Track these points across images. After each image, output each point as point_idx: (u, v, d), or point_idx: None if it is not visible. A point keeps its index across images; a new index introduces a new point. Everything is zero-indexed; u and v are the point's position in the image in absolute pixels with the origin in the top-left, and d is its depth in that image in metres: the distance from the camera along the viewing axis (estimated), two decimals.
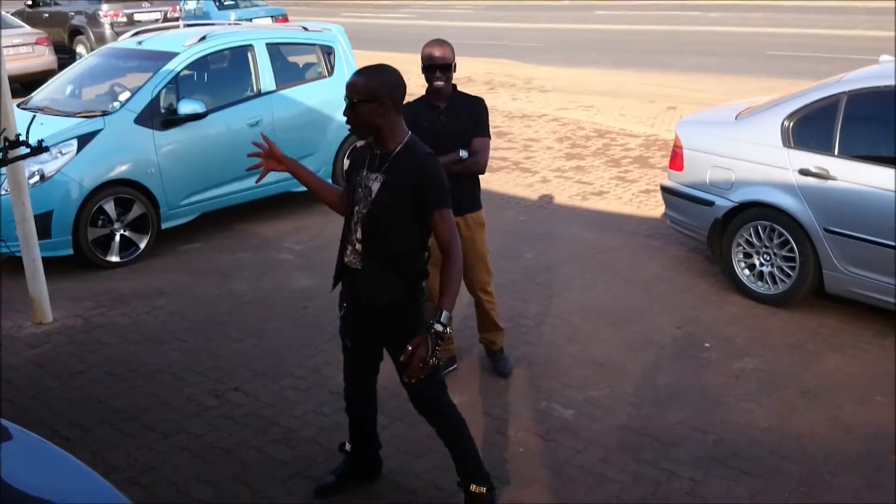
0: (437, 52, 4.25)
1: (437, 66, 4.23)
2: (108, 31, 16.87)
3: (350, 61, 8.35)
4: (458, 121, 4.35)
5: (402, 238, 3.23)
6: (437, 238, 3.19)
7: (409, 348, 3.02)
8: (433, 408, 3.49)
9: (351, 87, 3.14)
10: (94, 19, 17.27)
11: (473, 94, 4.59)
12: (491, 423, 4.29)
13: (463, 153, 4.32)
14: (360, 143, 3.43)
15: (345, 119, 3.23)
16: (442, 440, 3.56)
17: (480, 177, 4.56)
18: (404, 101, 3.30)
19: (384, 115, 3.14)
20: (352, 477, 3.77)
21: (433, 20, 26.58)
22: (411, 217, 3.19)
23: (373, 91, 3.10)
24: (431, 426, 3.55)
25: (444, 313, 3.06)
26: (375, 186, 3.21)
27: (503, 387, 4.68)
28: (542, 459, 3.98)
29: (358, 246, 3.29)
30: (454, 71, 4.33)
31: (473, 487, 3.49)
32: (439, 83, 4.27)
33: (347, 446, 3.76)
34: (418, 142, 3.26)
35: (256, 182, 3.62)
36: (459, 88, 4.50)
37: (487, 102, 4.62)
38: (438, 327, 3.03)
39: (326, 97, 8.06)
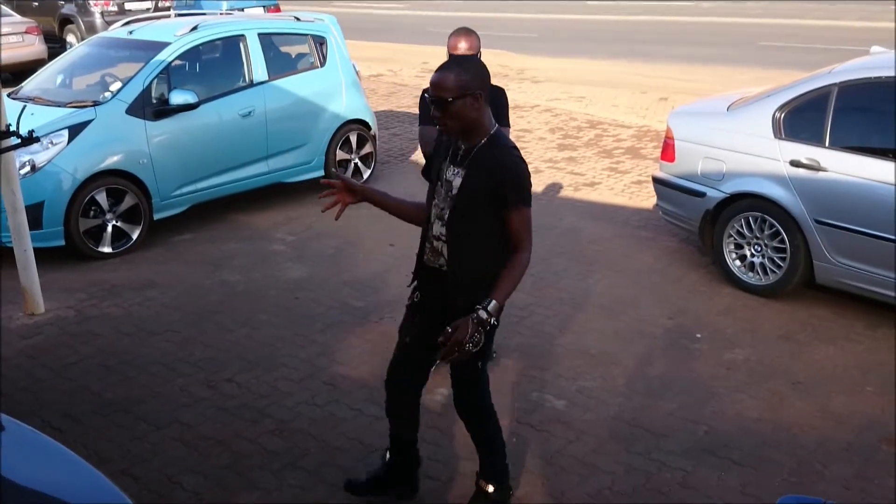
0: (462, 44, 4.24)
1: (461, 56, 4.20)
2: (98, 20, 16.74)
3: (342, 51, 8.32)
4: None
5: (484, 234, 3.09)
6: (509, 231, 3.07)
7: (449, 329, 2.97)
8: (474, 407, 3.42)
9: (439, 85, 2.98)
10: (84, 8, 17.14)
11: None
12: None
13: None
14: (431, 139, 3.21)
15: (434, 121, 3.08)
16: (473, 440, 3.50)
17: None
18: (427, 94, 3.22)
19: (480, 108, 3.02)
20: (383, 487, 3.61)
21: (425, 10, 26.50)
22: (492, 212, 3.05)
23: (466, 86, 2.97)
24: (466, 428, 3.48)
25: (494, 303, 3.00)
26: (457, 182, 3.09)
27: (495, 378, 4.66)
28: (535, 450, 4.00)
29: (437, 244, 3.18)
30: None
31: (482, 483, 3.48)
32: None
33: (388, 455, 3.60)
34: (503, 134, 3.16)
35: (335, 218, 3.32)
36: None
37: None
38: (483, 314, 2.97)
39: (319, 87, 8.04)
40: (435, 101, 3.00)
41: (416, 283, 3.34)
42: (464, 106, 2.97)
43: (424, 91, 4.46)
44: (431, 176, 3.26)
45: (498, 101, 4.41)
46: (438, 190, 3.19)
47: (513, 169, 3.05)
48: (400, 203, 3.40)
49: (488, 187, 3.02)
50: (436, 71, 3.06)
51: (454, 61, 3.16)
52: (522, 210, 3.07)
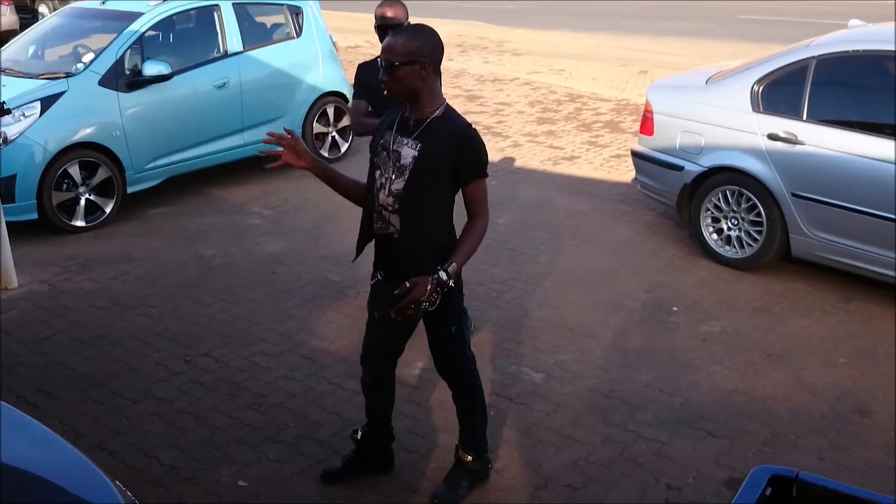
0: (388, 13, 4.24)
1: (389, 27, 4.16)
2: None
3: (319, 22, 8.22)
4: None
5: (439, 205, 3.13)
6: (469, 202, 3.14)
7: (408, 284, 2.99)
8: (453, 370, 3.48)
9: (389, 49, 2.99)
10: None
11: None
12: None
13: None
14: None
15: (381, 84, 3.06)
16: (456, 405, 3.55)
17: None
18: (366, 62, 3.17)
19: (426, 78, 3.00)
20: (360, 466, 3.61)
21: None
22: (449, 183, 3.11)
23: (414, 52, 2.96)
24: (451, 390, 3.54)
25: (453, 265, 3.05)
26: (408, 153, 3.07)
27: (474, 351, 4.68)
28: (512, 422, 4.02)
29: (385, 213, 3.15)
30: None
31: (461, 453, 3.51)
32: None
33: (359, 433, 3.59)
34: (454, 110, 3.17)
35: (266, 167, 3.29)
36: None
37: (459, 65, 4.60)
38: (443, 275, 3.01)
39: (295, 59, 7.95)
40: (384, 65, 3.02)
41: (376, 260, 3.33)
42: (410, 73, 2.98)
43: (360, 64, 4.40)
44: (374, 146, 3.22)
45: None
46: (384, 159, 3.15)
47: (476, 140, 3.10)
48: (347, 182, 3.33)
49: (450, 159, 3.05)
50: (388, 36, 3.08)
51: (409, 28, 3.13)
52: (482, 181, 3.15)
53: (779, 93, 5.48)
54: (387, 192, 3.13)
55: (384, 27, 4.21)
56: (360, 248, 3.33)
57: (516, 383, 4.36)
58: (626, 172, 7.71)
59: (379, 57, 3.18)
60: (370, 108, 4.42)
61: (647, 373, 4.45)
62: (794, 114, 5.33)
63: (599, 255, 6.02)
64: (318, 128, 8.12)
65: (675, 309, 5.17)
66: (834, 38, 5.50)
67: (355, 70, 4.52)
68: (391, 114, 3.22)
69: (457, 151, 3.05)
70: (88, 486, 2.27)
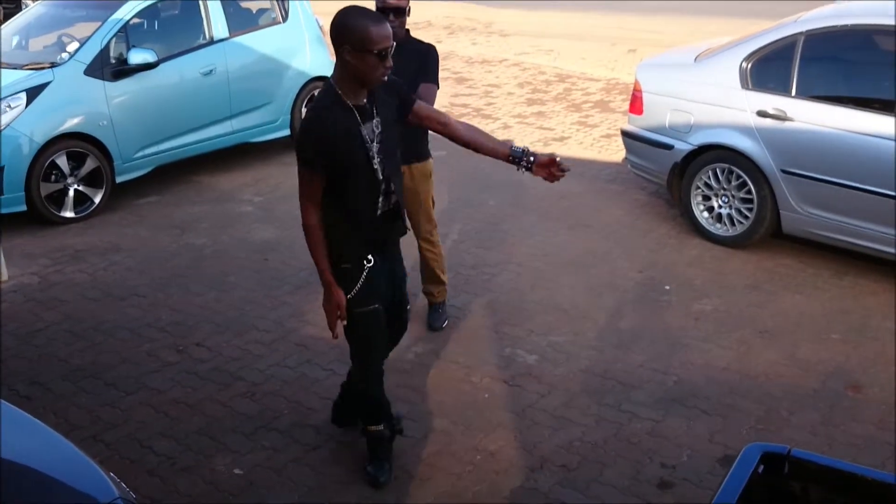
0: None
1: (391, 10, 4.10)
2: None
3: (305, 6, 8.15)
4: (406, 66, 4.15)
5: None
6: (426, 111, 3.30)
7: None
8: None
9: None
10: None
11: (429, 40, 4.50)
12: (457, 371, 4.32)
13: None
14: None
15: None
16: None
17: None
18: None
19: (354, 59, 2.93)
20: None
21: None
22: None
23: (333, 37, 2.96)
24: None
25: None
26: (377, 126, 3.08)
27: (467, 335, 4.70)
28: (507, 404, 4.03)
29: (387, 190, 3.18)
30: (408, 15, 4.23)
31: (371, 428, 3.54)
32: (392, 20, 4.09)
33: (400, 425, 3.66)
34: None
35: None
36: (417, 34, 4.43)
37: (447, 47, 4.59)
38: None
39: (281, 44, 7.88)
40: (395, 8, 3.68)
41: (371, 247, 3.27)
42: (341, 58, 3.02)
43: None
44: (355, 160, 3.07)
45: (425, 57, 4.27)
46: (371, 150, 3.08)
47: (397, 80, 3.22)
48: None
49: (395, 105, 3.17)
50: None
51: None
52: (420, 103, 3.29)
53: (768, 69, 5.46)
54: (382, 174, 3.13)
55: (385, 10, 4.09)
56: (362, 260, 3.24)
57: (510, 366, 4.36)
58: (616, 152, 7.70)
59: None
60: None
61: (640, 352, 4.46)
62: (783, 90, 5.32)
63: (591, 236, 6.01)
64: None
65: (667, 288, 5.18)
66: (822, 13, 5.48)
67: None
68: (337, 125, 3.02)
69: (396, 93, 3.18)
70: (82, 478, 2.27)
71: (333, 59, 3.13)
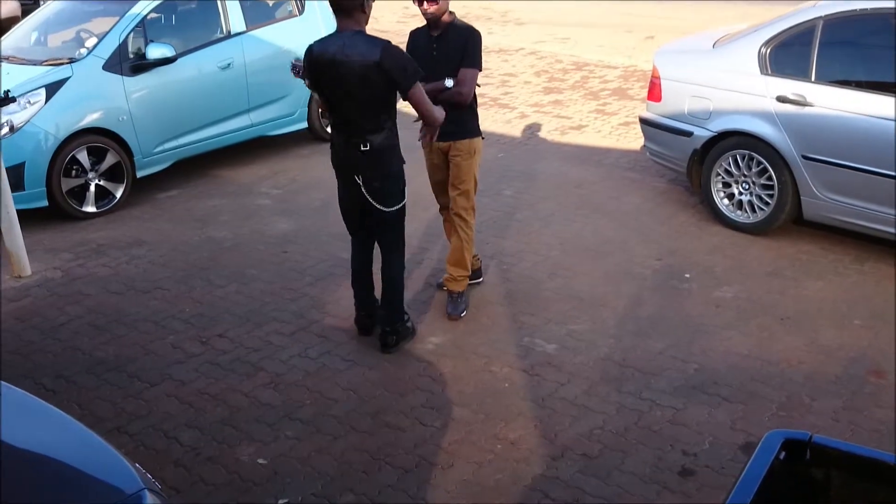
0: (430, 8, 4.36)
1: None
2: None
3: None
4: (447, 50, 4.45)
5: None
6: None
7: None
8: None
9: None
10: None
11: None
12: (476, 361, 4.33)
13: (448, 82, 4.41)
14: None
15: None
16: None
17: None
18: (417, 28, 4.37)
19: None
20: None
21: None
22: None
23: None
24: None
25: None
26: None
27: (487, 324, 4.72)
28: (527, 394, 4.04)
29: None
30: (444, 1, 4.38)
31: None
32: (425, 9, 4.37)
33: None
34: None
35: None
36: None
37: None
38: None
39: (298, 36, 7.83)
40: None
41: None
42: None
43: (412, 31, 4.68)
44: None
45: (466, 41, 4.45)
46: None
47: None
48: None
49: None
50: None
51: None
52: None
53: (787, 54, 5.42)
54: None
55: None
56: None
57: (529, 355, 4.37)
58: (634, 140, 7.66)
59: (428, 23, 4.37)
60: None
61: (660, 340, 4.45)
62: (802, 75, 5.27)
63: (610, 224, 6.00)
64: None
65: (687, 276, 5.16)
66: None
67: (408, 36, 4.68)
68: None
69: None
70: (108, 469, 2.30)
71: None
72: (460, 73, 4.41)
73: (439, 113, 4.09)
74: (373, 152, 4.05)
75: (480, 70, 4.51)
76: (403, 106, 4.30)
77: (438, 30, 4.47)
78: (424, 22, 4.52)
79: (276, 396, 4.07)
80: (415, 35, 4.64)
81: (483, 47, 4.54)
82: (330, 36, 4.00)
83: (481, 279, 5.10)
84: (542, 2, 15.93)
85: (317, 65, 3.99)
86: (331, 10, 4.00)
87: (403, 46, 4.28)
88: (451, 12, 4.48)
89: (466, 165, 4.62)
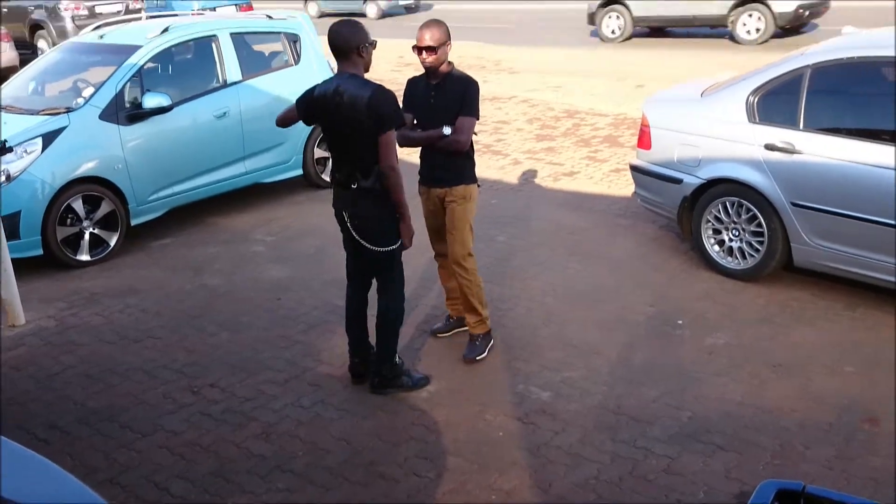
0: (424, 33, 4.48)
1: (423, 48, 4.46)
2: (69, 25, 16.58)
3: (317, 49, 8.28)
4: (445, 98, 4.55)
5: None
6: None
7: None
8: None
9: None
10: (54, 13, 16.97)
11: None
12: (471, 409, 4.32)
13: (446, 130, 4.50)
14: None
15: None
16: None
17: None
18: (415, 76, 4.56)
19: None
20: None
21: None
22: None
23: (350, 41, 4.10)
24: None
25: None
26: None
27: (481, 371, 4.71)
28: (521, 442, 4.02)
29: None
30: (442, 51, 4.48)
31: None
32: (424, 59, 4.49)
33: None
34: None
35: None
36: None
37: None
38: None
39: (294, 85, 7.89)
40: (426, 47, 4.41)
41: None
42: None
43: (409, 79, 4.80)
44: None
45: (465, 90, 4.56)
46: None
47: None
48: None
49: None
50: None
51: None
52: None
53: (775, 103, 5.50)
54: None
55: (418, 46, 4.50)
56: None
57: (524, 402, 4.36)
58: (626, 186, 7.73)
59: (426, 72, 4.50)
60: (415, 122, 4.68)
61: (653, 387, 4.45)
62: (790, 123, 5.35)
63: (602, 270, 6.03)
64: (318, 152, 8.16)
65: (679, 322, 5.18)
66: (828, 46, 5.53)
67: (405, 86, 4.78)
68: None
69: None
70: None
71: None
72: (458, 121, 4.50)
73: (397, 170, 4.08)
74: (361, 191, 4.14)
75: (478, 119, 4.62)
76: (404, 154, 4.37)
77: (437, 79, 4.57)
78: (422, 70, 4.61)
79: (267, 447, 4.05)
80: (413, 83, 4.73)
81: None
82: (330, 77, 4.22)
83: (491, 342, 5.01)
84: (534, 51, 16.18)
85: (315, 103, 4.17)
86: (326, 60, 4.14)
87: (398, 93, 4.36)
88: (449, 62, 4.58)
89: (461, 211, 4.67)
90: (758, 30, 14.71)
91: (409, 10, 25.46)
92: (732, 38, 15.09)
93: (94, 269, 6.42)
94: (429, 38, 4.44)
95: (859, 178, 5.00)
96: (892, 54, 5.08)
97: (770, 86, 5.53)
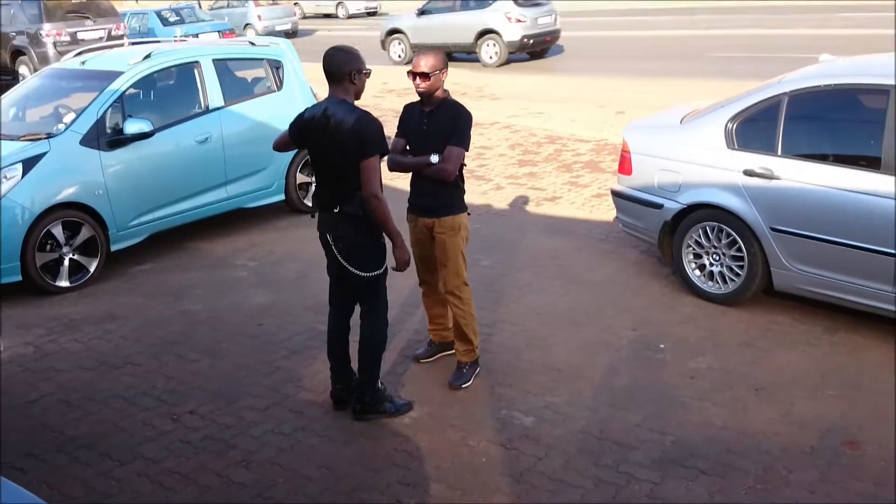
0: (420, 59, 4.51)
1: (417, 74, 4.48)
2: (51, 51, 16.57)
3: (299, 75, 8.31)
4: (436, 126, 4.56)
5: None
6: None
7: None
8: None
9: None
10: (36, 39, 16.95)
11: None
12: (454, 434, 4.30)
13: (434, 158, 4.50)
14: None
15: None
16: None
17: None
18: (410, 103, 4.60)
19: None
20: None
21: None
22: None
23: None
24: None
25: None
26: None
27: (464, 397, 4.70)
28: (505, 468, 4.00)
29: None
30: (436, 78, 4.49)
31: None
32: (417, 84, 4.51)
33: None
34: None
35: None
36: (405, 98, 4.64)
37: None
38: None
39: (277, 111, 7.98)
40: (419, 73, 4.45)
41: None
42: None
43: (406, 105, 4.81)
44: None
45: (455, 119, 4.57)
46: None
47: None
48: None
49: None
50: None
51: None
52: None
53: (753, 129, 5.56)
54: None
55: (412, 73, 4.52)
56: None
57: (507, 428, 4.35)
58: (607, 211, 7.78)
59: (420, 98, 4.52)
60: (408, 147, 4.67)
61: (636, 412, 4.45)
62: (769, 149, 5.41)
63: (585, 295, 6.04)
64: (301, 178, 8.16)
65: (661, 346, 5.19)
66: (805, 74, 5.61)
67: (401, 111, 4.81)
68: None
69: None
70: None
71: None
72: (446, 150, 4.49)
73: (379, 197, 4.06)
74: (343, 215, 4.16)
75: (467, 150, 4.59)
76: (389, 179, 4.38)
77: (430, 106, 4.57)
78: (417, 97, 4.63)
79: (248, 475, 4.00)
80: (409, 108, 4.75)
81: None
82: (321, 101, 4.25)
83: (477, 369, 4.97)
84: (516, 78, 16.32)
85: (305, 125, 4.21)
86: (309, 86, 4.16)
87: (383, 120, 4.38)
88: (444, 89, 4.59)
89: (452, 243, 4.66)
90: (497, 54, 18.06)
91: (288, 34, 25.70)
92: (479, 61, 18.40)
93: (73, 296, 6.37)
94: (423, 65, 4.46)
95: (837, 203, 5.06)
96: (867, 81, 5.17)
97: (748, 113, 5.60)
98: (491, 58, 18.13)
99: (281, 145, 4.53)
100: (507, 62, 18.14)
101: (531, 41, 18.03)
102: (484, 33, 18.11)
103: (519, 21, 17.80)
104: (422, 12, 19.49)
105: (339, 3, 36.30)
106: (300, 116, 4.28)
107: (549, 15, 18.60)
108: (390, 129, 4.73)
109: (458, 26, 18.42)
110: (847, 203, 5.01)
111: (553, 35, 18.72)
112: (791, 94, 5.40)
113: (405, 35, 19.49)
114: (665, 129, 6.27)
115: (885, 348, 5.03)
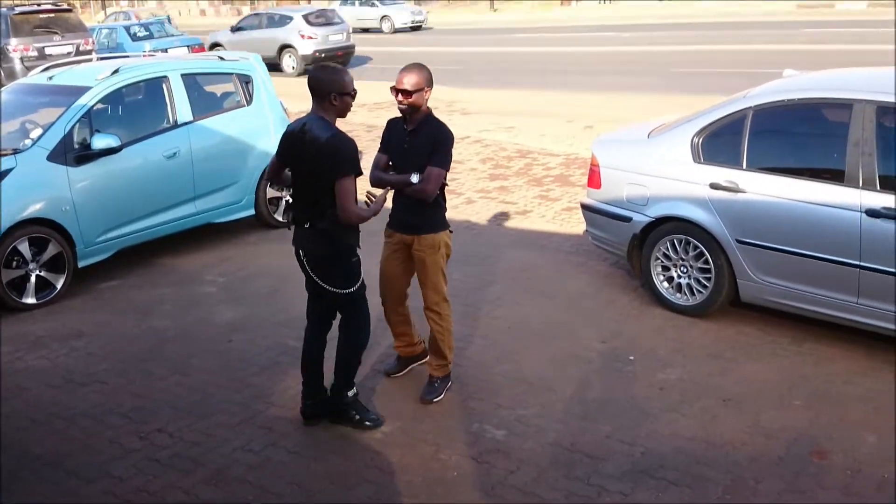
0: (404, 76, 4.47)
1: (399, 91, 4.46)
2: (18, 66, 16.40)
3: (269, 89, 8.29)
4: (418, 144, 4.52)
5: None
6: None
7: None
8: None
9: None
10: (3, 54, 16.76)
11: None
12: (425, 449, 4.29)
13: (414, 178, 4.47)
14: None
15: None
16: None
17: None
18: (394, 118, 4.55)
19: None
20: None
21: (362, 46, 26.47)
22: None
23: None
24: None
25: None
26: None
27: (435, 410, 4.69)
28: (476, 482, 4.00)
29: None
30: (419, 96, 4.44)
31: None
32: (400, 101, 4.48)
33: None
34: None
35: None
36: (381, 113, 4.64)
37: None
38: None
39: (246, 126, 7.99)
40: (401, 90, 4.41)
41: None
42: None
43: (389, 120, 4.78)
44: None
45: (437, 138, 4.53)
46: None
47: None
48: None
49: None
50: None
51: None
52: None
53: (718, 143, 5.64)
54: None
55: (395, 89, 4.49)
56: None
57: (479, 441, 4.35)
58: (577, 224, 7.83)
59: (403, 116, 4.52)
60: (390, 163, 4.65)
61: (607, 423, 4.47)
62: (734, 163, 5.48)
63: (555, 307, 6.07)
64: (271, 192, 8.13)
65: (631, 358, 5.23)
66: (769, 88, 5.70)
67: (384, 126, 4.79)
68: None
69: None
70: None
71: None
72: (426, 170, 4.46)
73: (356, 214, 4.08)
74: (315, 230, 4.17)
75: (447, 170, 4.55)
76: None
77: (413, 123, 4.53)
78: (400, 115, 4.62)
79: (217, 493, 3.96)
80: (392, 124, 4.71)
81: None
82: (303, 116, 4.24)
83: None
84: (487, 93, 16.41)
85: (286, 139, 4.25)
86: (279, 101, 4.15)
87: (353, 135, 4.38)
88: (428, 107, 4.55)
89: (432, 261, 4.65)
90: (294, 66, 21.40)
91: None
92: (281, 70, 21.19)
93: (40, 313, 6.28)
94: (406, 82, 4.43)
95: (802, 215, 5.14)
96: (830, 96, 5.27)
97: (714, 127, 5.68)
98: (292, 68, 21.53)
99: (272, 174, 4.47)
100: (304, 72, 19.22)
101: (323, 55, 20.80)
102: (284, 47, 21.70)
103: (310, 38, 21.37)
104: (236, 29, 23.33)
105: (383, 17, 32.40)
106: (285, 131, 4.32)
107: (340, 33, 22.11)
108: (361, 145, 4.73)
109: (264, 41, 21.52)
110: (811, 215, 5.09)
111: (345, 50, 21.93)
112: (756, 109, 5.48)
113: (224, 48, 21.99)
114: (633, 143, 6.34)
115: (851, 358, 5.10)
